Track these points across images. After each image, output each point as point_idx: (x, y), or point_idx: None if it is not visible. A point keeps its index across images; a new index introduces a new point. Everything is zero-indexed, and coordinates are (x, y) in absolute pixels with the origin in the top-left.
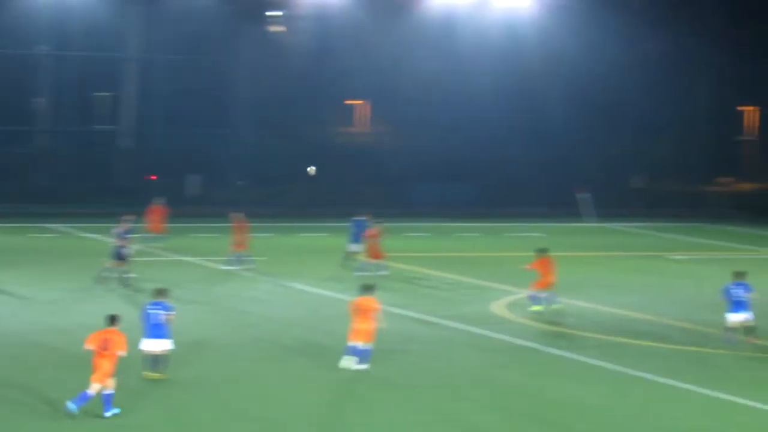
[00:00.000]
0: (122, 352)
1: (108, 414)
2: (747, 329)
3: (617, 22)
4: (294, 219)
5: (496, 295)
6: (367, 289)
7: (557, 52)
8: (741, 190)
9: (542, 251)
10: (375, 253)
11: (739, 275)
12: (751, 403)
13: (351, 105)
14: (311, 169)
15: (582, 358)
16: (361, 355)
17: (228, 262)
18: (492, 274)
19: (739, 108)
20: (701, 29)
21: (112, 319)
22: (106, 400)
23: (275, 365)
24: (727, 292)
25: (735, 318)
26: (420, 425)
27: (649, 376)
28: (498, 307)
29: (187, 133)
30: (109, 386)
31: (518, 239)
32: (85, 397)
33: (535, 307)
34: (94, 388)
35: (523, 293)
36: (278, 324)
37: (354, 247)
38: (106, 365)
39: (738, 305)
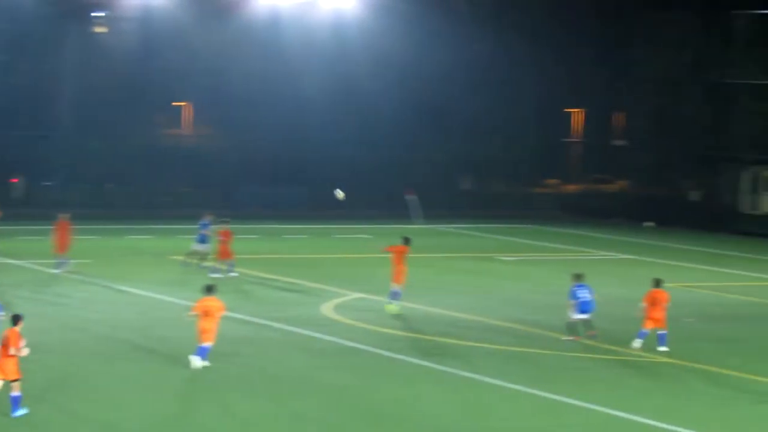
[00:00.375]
0: (14, 350)
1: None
2: (586, 325)
3: (444, 23)
4: (119, 221)
5: (325, 297)
6: (210, 289)
7: (385, 54)
8: (567, 191)
9: (406, 240)
10: (224, 254)
11: (578, 277)
12: (578, 403)
13: (178, 106)
14: (339, 193)
15: (411, 360)
16: (202, 353)
17: (56, 265)
18: (321, 276)
19: (567, 110)
20: (529, 32)
21: (14, 319)
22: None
23: (106, 367)
24: (573, 294)
25: (580, 318)
26: (249, 427)
27: (478, 376)
28: (327, 309)
29: (9, 135)
30: (14, 388)
31: (347, 241)
32: None
33: (390, 306)
34: None
35: (353, 295)
36: (108, 326)
37: (199, 248)
38: (5, 364)
39: (584, 305)
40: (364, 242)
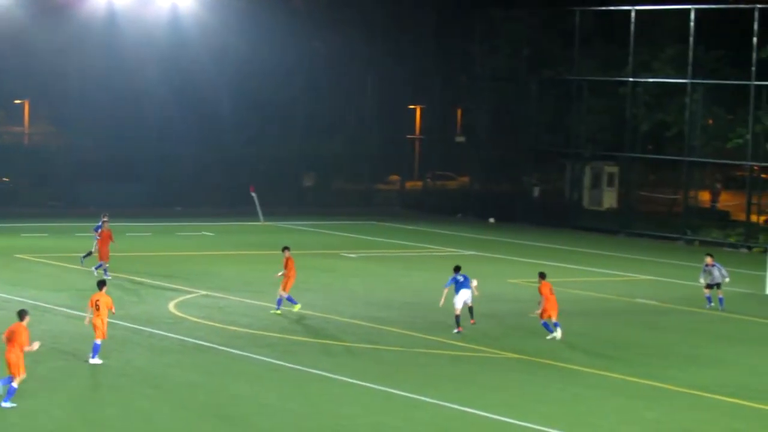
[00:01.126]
0: (26, 348)
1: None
2: (470, 310)
3: (283, 21)
4: None
5: (170, 295)
6: (102, 284)
7: (224, 51)
8: (409, 188)
9: (285, 248)
10: (103, 253)
11: (458, 269)
12: (427, 400)
13: (19, 104)
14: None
15: (258, 357)
16: (96, 349)
17: None
18: (165, 273)
19: (409, 107)
20: (368, 29)
21: (21, 314)
22: None
23: None
24: (453, 279)
25: (462, 298)
26: (95, 426)
27: (325, 373)
28: (172, 307)
29: None
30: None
31: (190, 239)
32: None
33: (296, 307)
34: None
35: (197, 293)
36: None
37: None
38: (11, 358)
39: (462, 284)
40: (208, 240)
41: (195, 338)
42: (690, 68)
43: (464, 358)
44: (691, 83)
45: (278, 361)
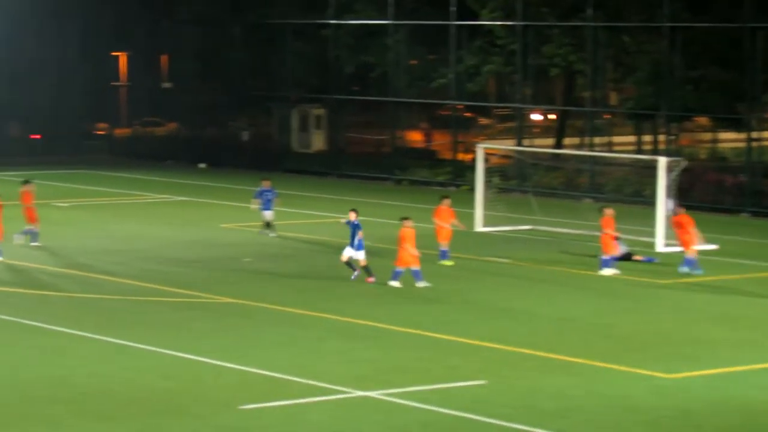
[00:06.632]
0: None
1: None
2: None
3: None
4: None
5: None
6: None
7: None
8: (117, 135)
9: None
10: (30, 216)
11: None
12: (146, 347)
13: None
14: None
15: None
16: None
17: None
18: None
19: (113, 53)
20: None
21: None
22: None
23: None
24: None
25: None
26: None
27: (42, 324)
28: None
29: None
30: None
31: None
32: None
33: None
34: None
35: None
36: None
37: None
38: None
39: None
40: None
41: None
42: (391, 9)
43: (181, 305)
44: (393, 24)
45: None
